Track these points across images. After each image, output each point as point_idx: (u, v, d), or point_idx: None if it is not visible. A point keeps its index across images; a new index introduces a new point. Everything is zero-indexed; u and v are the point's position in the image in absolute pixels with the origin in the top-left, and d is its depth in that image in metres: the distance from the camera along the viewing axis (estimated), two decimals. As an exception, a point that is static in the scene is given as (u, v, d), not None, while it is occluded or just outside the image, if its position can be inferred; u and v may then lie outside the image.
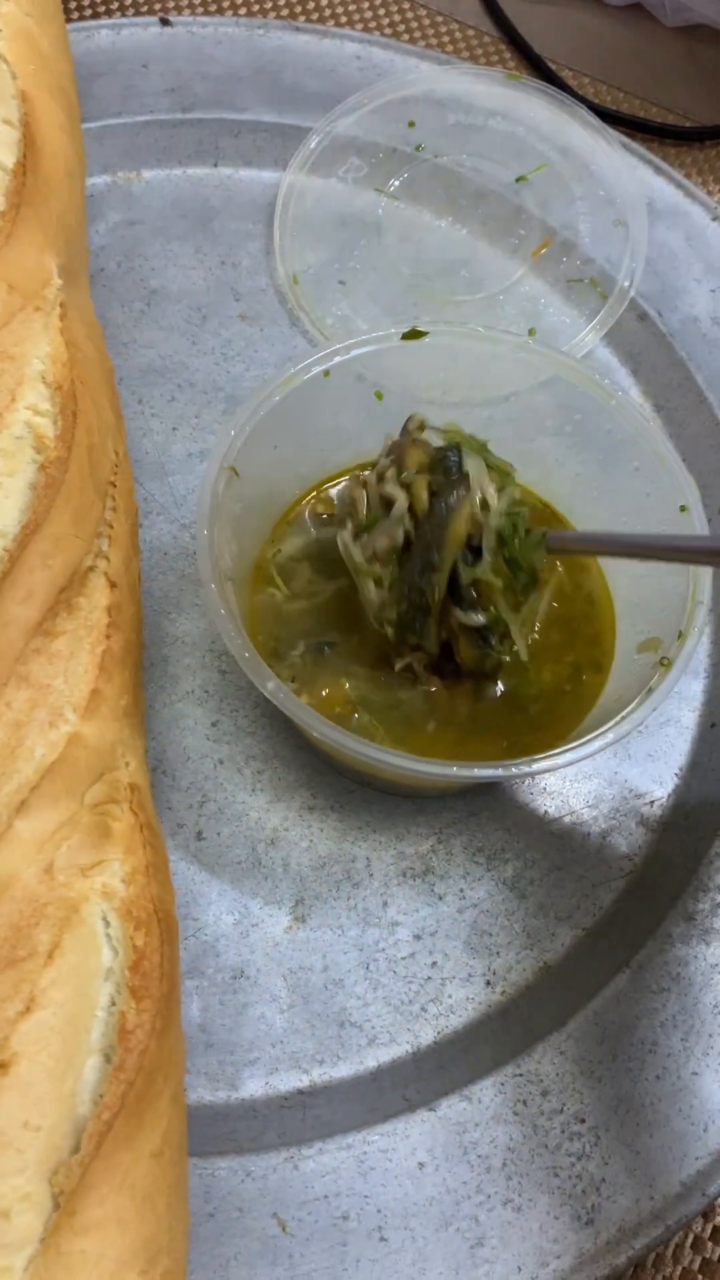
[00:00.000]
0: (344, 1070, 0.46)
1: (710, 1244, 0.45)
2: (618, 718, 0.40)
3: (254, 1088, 0.45)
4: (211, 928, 0.48)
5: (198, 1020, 0.46)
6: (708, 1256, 0.44)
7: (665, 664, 0.42)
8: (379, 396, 0.49)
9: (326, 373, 0.46)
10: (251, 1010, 0.46)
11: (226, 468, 0.44)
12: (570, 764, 0.40)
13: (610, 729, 0.40)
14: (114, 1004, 0.39)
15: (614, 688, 0.46)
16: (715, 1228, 0.45)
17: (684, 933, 0.47)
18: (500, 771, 0.39)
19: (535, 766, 0.39)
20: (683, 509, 0.45)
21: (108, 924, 0.41)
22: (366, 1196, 0.42)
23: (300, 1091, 0.45)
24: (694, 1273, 0.44)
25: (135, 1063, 0.38)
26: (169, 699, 0.51)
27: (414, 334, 0.47)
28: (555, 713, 0.47)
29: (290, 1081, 0.45)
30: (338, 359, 0.46)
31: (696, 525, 0.44)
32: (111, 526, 0.48)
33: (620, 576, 0.49)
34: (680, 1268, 0.44)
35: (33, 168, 0.52)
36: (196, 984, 0.47)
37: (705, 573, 0.44)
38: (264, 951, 0.47)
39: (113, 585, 0.46)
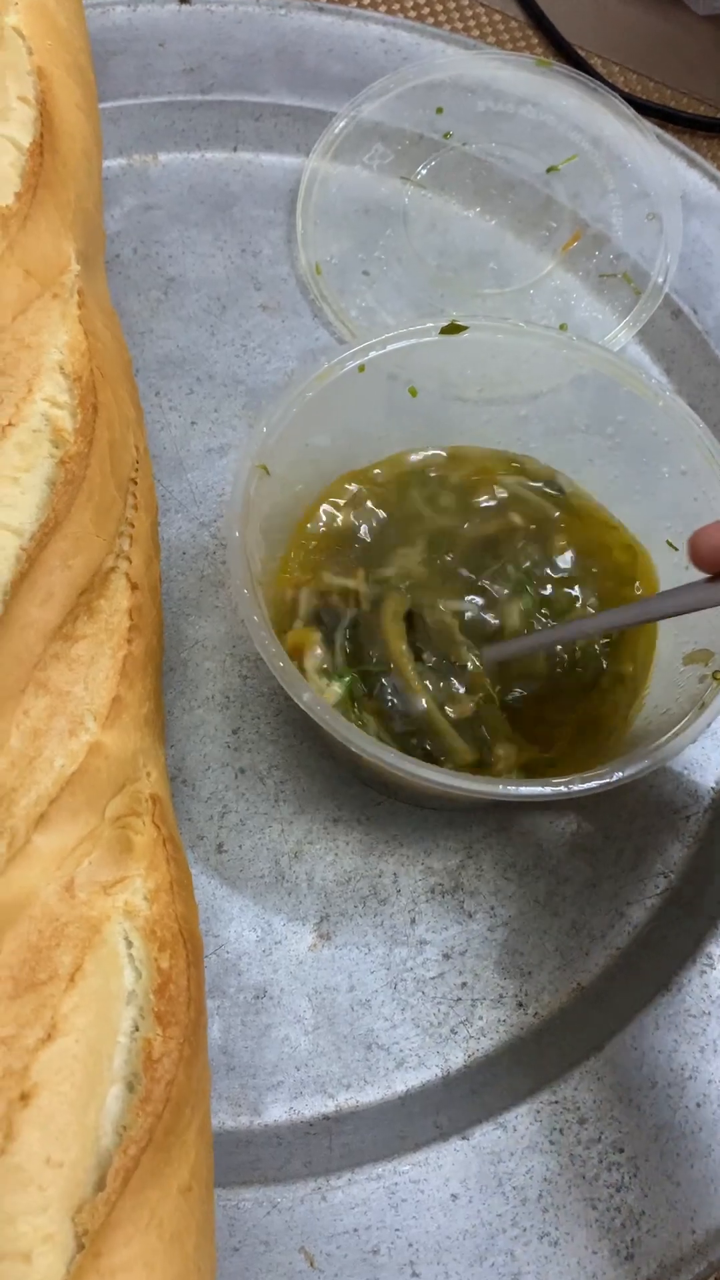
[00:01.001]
0: (371, 1095, 0.44)
1: (750, 1278, 0.43)
2: (669, 734, 0.38)
3: (278, 1113, 0.43)
4: (233, 945, 0.46)
5: (219, 1042, 0.44)
6: (748, 1291, 0.43)
7: (718, 678, 0.40)
8: (413, 393, 0.47)
9: (361, 367, 0.44)
10: (275, 1032, 0.44)
11: (258, 466, 0.41)
12: (621, 784, 0.38)
13: (662, 746, 0.38)
14: (137, 1029, 0.37)
15: (657, 701, 0.44)
16: (755, 1261, 0.43)
17: (724, 954, 0.45)
18: (548, 791, 0.37)
19: (584, 786, 0.37)
20: (734, 515, 0.43)
21: (130, 944, 0.39)
22: (398, 1230, 0.41)
23: (326, 1117, 0.43)
24: (734, 1308, 0.43)
25: (163, 1094, 0.36)
26: (189, 705, 0.49)
27: (453, 328, 0.45)
28: (595, 727, 0.45)
29: (315, 1107, 0.44)
30: (373, 354, 0.44)
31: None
32: (133, 525, 0.45)
33: (666, 584, 0.48)
34: (720, 1303, 0.43)
35: (50, 148, 0.49)
36: (217, 1004, 0.45)
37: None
38: (287, 970, 0.45)
39: (134, 587, 0.44)
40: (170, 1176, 0.35)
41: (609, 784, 0.37)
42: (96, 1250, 0.33)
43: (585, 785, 0.37)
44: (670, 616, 0.41)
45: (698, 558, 0.38)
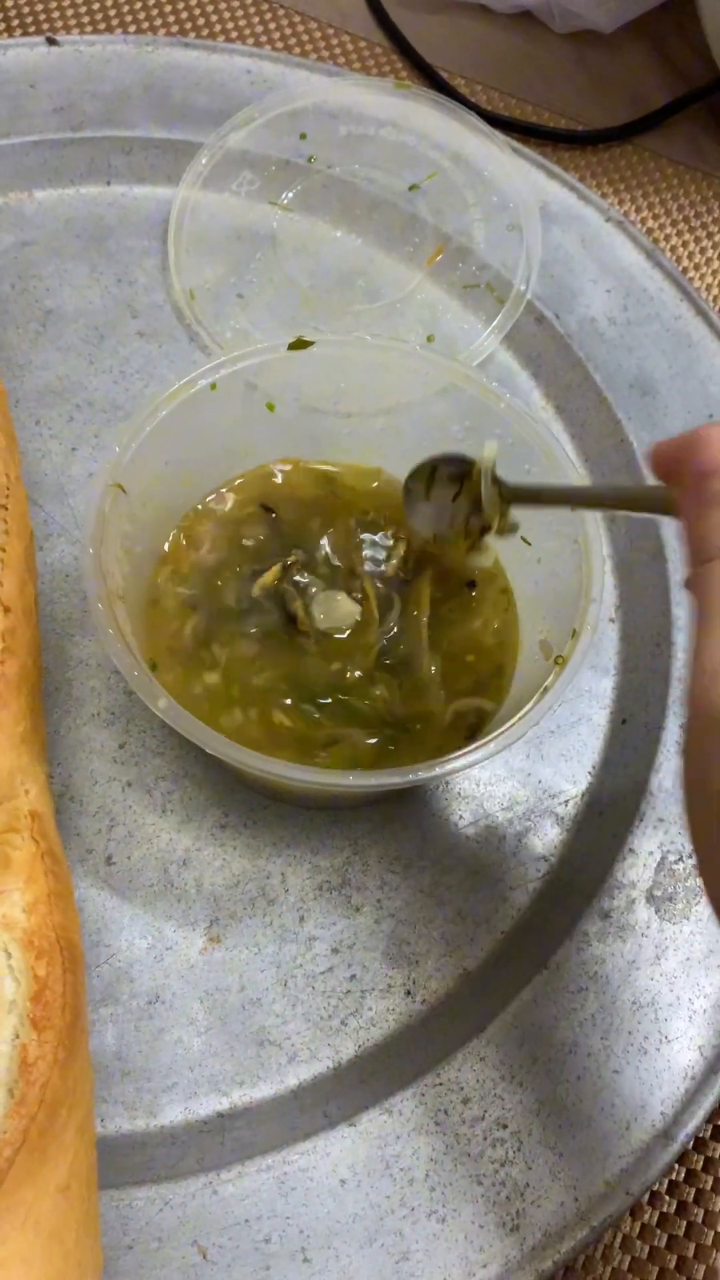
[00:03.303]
0: (264, 1090, 0.45)
1: (639, 1242, 0.45)
2: (513, 719, 0.40)
3: (173, 1114, 0.44)
4: (124, 953, 0.47)
5: (113, 1048, 0.45)
6: (637, 1255, 0.44)
7: (560, 663, 0.42)
8: (270, 408, 0.49)
9: (214, 385, 0.46)
10: (168, 1035, 0.46)
11: (113, 485, 0.43)
12: (467, 768, 0.39)
13: (505, 731, 0.40)
14: (18, 1037, 0.38)
15: (517, 689, 0.45)
16: (644, 1225, 0.45)
17: (600, 930, 0.47)
18: (397, 779, 0.39)
19: (433, 772, 0.39)
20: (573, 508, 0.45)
21: (9, 955, 0.40)
22: (288, 1218, 0.42)
23: (220, 1114, 0.44)
24: (624, 1273, 0.44)
25: (37, 1096, 0.37)
26: (74, 723, 0.50)
27: (300, 344, 0.47)
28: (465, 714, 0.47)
29: (210, 1105, 0.45)
30: (224, 371, 0.46)
31: (589, 525, 0.44)
32: (4, 550, 0.47)
33: (523, 581, 0.49)
34: (610, 1268, 0.44)
35: None
36: (111, 1011, 0.46)
37: (598, 570, 0.44)
38: (179, 974, 0.47)
39: (6, 610, 0.45)
40: (47, 1176, 0.36)
41: (454, 769, 0.39)
42: (-27, 1251, 0.34)
43: (431, 772, 0.39)
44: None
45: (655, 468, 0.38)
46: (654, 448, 0.37)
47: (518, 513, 0.46)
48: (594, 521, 0.45)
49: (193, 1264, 0.41)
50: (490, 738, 0.40)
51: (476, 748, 0.39)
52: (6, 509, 0.48)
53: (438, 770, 0.39)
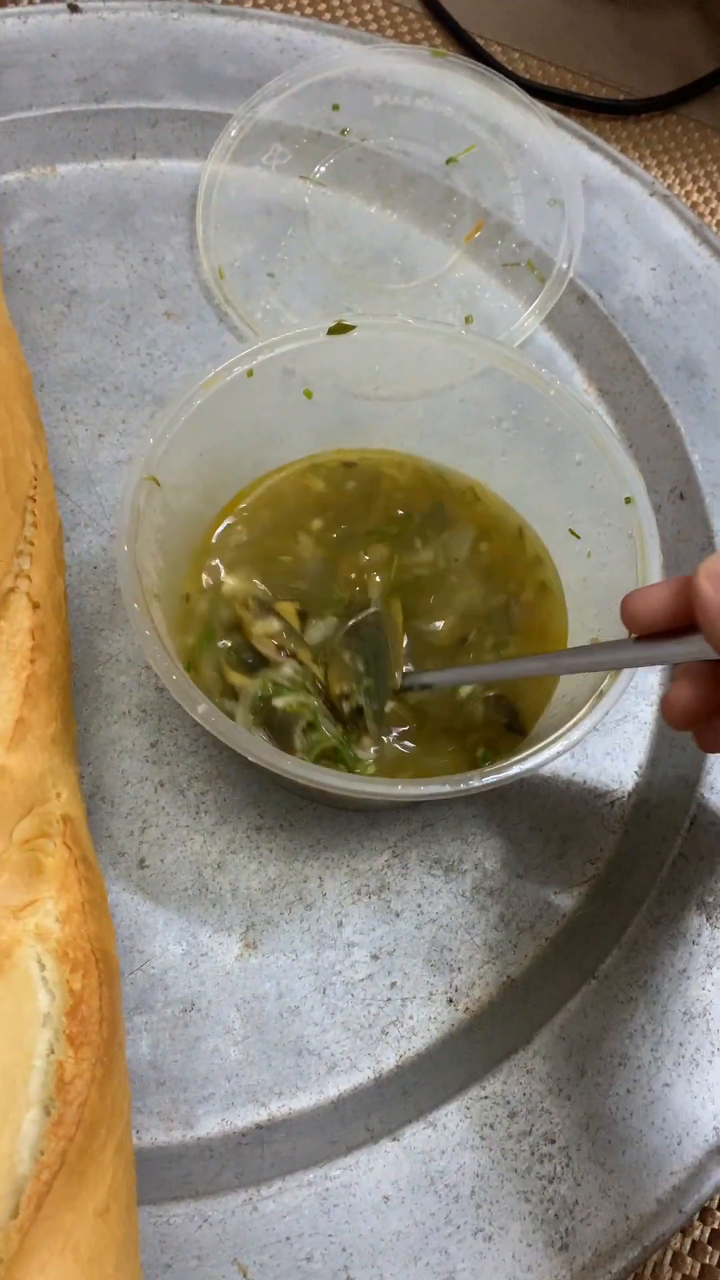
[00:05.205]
0: (304, 1101, 0.44)
1: (690, 1260, 0.43)
2: (569, 724, 0.38)
3: (210, 1125, 0.43)
4: (159, 959, 0.45)
5: (148, 1058, 0.44)
6: (688, 1272, 0.43)
7: (616, 665, 0.40)
8: (308, 395, 0.47)
9: (250, 372, 0.44)
10: (204, 1044, 0.44)
11: (147, 478, 0.41)
12: (521, 776, 0.38)
13: (560, 737, 0.38)
14: (53, 1052, 0.37)
15: (565, 690, 0.44)
16: (694, 1243, 0.44)
17: (650, 938, 0.46)
18: (448, 789, 0.37)
19: (484, 781, 0.37)
20: (628, 501, 0.43)
21: (43, 967, 0.38)
22: (330, 1235, 0.40)
23: (259, 1126, 0.43)
24: (674, 1291, 0.43)
25: (75, 1116, 0.35)
26: (104, 721, 0.49)
27: (340, 328, 0.45)
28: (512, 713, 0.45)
29: (248, 1116, 0.43)
30: (262, 357, 0.44)
31: (642, 517, 0.42)
32: (32, 544, 0.45)
33: (571, 573, 0.48)
34: (660, 1286, 0.43)
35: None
36: (145, 1019, 0.44)
37: (654, 563, 0.42)
38: (215, 981, 0.45)
39: (36, 606, 0.44)
40: (86, 1199, 0.35)
41: (507, 778, 0.37)
42: (11, 1278, 0.33)
43: (484, 781, 0.37)
44: (596, 670, 0.40)
45: (626, 619, 0.38)
46: (628, 600, 0.37)
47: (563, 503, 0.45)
48: (647, 513, 0.43)
49: (233, 1283, 0.40)
50: (546, 742, 0.38)
51: (531, 754, 0.38)
52: (34, 500, 0.46)
53: (490, 779, 0.37)
